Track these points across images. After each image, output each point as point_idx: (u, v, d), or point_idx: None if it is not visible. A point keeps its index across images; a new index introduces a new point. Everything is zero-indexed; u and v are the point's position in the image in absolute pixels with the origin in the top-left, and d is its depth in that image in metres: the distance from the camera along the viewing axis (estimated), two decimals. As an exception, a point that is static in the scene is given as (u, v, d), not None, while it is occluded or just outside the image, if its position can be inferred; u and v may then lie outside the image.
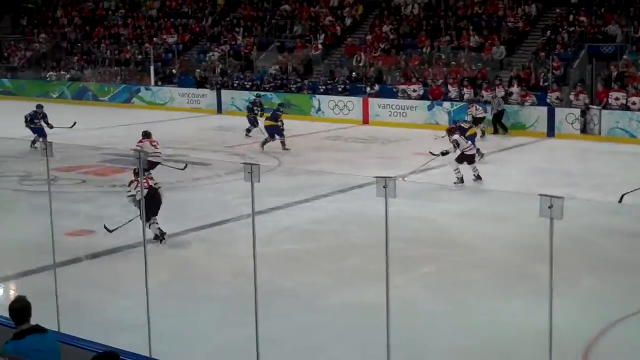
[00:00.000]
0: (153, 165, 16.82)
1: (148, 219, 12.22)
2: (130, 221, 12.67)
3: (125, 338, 8.24)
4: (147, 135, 17.90)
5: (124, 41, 39.97)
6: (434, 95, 28.50)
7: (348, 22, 35.32)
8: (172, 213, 14.24)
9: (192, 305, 10.34)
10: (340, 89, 30.55)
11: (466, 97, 27.34)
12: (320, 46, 34.00)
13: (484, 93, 27.09)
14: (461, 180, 17.60)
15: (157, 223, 12.99)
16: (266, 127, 23.10)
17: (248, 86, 32.82)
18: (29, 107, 23.32)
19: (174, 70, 36.33)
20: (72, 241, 12.76)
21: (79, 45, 41.02)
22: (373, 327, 7.77)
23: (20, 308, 6.37)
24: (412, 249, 12.28)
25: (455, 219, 14.76)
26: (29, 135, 22.22)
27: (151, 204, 12.51)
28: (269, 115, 23.66)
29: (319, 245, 13.25)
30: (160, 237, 12.98)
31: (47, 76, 39.08)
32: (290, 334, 9.27)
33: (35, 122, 22.66)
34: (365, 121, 28.85)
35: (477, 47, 30.32)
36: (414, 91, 28.90)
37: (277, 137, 22.72)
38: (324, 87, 30.98)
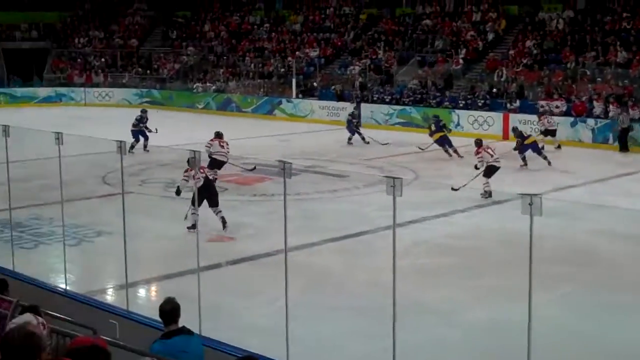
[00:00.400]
0: (219, 163, 18.38)
1: (200, 204, 13.10)
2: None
3: (261, 344, 8.38)
4: (218, 135, 19.25)
5: (267, 54, 40.84)
6: (577, 112, 27.76)
7: (490, 36, 34.89)
8: (309, 223, 14.47)
9: (327, 315, 10.43)
10: (480, 104, 30.22)
11: (611, 114, 26.55)
12: (461, 60, 33.74)
13: (610, 107, 26.41)
14: (489, 194, 17.46)
15: (221, 212, 14.33)
16: (437, 140, 24.08)
17: (387, 100, 32.92)
18: (177, 116, 24.21)
19: (314, 83, 36.84)
20: (213, 247, 13.10)
21: (225, 57, 42.21)
22: (512, 346, 7.63)
23: (170, 309, 6.61)
24: (552, 267, 11.96)
25: (594, 237, 14.30)
26: (174, 143, 22.96)
27: (208, 194, 13.95)
28: (433, 128, 24.54)
29: (455, 260, 13.12)
30: (223, 224, 14.27)
31: (194, 87, 40.40)
32: (425, 349, 9.19)
33: (141, 125, 24.55)
34: (505, 136, 28.35)
35: (624, 63, 29.33)
36: (557, 107, 28.23)
37: (447, 146, 23.72)
38: (463, 102, 30.73)
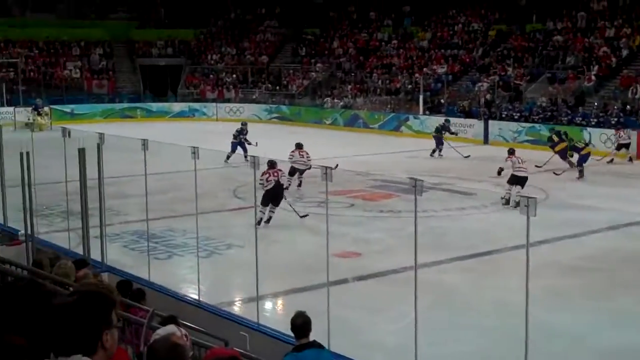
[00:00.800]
0: (299, 170, 20.41)
1: (266, 204, 15.97)
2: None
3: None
4: (299, 146, 20.93)
5: (394, 71, 40.93)
6: None
7: (624, 52, 33.85)
8: (437, 241, 14.39)
9: (454, 334, 10.36)
10: (612, 122, 29.34)
11: None
12: (593, 77, 32.86)
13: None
14: (507, 202, 18.03)
15: (274, 212, 16.13)
16: (559, 152, 24.62)
17: (516, 117, 32.41)
18: (304, 132, 24.53)
19: (442, 100, 36.65)
20: (339, 262, 13.19)
21: (352, 74, 42.54)
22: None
23: (302, 323, 6.76)
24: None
25: None
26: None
27: (274, 195, 16.04)
28: (555, 139, 25.13)
29: (586, 282, 12.79)
30: (266, 221, 15.90)
31: (323, 102, 40.87)
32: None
33: (240, 137, 25.44)
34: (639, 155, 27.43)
35: None
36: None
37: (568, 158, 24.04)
38: (595, 120, 29.90)
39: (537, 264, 12.84)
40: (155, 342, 4.46)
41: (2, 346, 3.13)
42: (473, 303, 11.76)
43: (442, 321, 10.64)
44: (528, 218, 6.95)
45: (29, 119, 33.36)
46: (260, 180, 15.43)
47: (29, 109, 36.56)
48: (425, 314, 10.11)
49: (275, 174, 16.02)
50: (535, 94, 33.93)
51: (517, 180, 18.32)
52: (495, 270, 13.20)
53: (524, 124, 31.59)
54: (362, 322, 10.82)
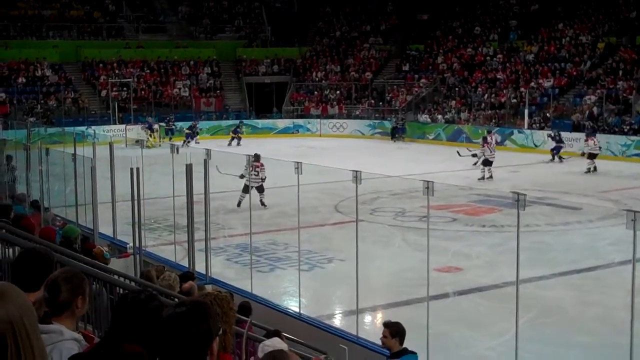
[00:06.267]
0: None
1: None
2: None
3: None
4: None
5: (499, 85, 40.48)
6: None
7: None
8: (540, 256, 14.18)
9: (557, 350, 10.21)
10: None
11: None
12: None
13: None
14: (483, 178, 25.21)
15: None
16: None
17: (625, 130, 31.57)
18: (409, 147, 24.43)
19: (547, 114, 36.03)
20: (440, 276, 13.16)
21: (457, 89, 42.29)
22: None
23: (399, 330, 6.99)
24: None
25: None
26: (406, 173, 23.33)
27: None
28: None
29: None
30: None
31: (428, 118, 40.76)
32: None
33: None
34: None
35: None
36: None
37: None
38: None
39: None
40: (269, 355, 4.62)
41: (124, 354, 3.31)
42: (576, 319, 11.56)
43: (544, 337, 10.49)
44: (635, 232, 6.84)
45: (147, 139, 34.61)
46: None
47: (146, 126, 37.93)
48: (527, 330, 10.02)
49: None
50: (645, 107, 33.00)
51: (489, 163, 25.45)
52: (600, 286, 12.91)
53: (633, 137, 30.74)
54: (462, 336, 10.78)
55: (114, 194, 15.57)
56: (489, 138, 26.89)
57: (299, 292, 11.57)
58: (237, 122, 40.08)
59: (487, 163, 25.58)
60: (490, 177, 25.32)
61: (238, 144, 36.38)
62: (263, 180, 19.20)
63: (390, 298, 12.69)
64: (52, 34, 45.87)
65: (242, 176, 18.80)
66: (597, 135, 31.08)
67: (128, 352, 3.31)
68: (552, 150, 30.74)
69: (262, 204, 18.99)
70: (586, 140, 28.09)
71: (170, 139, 36.43)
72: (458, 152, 28.78)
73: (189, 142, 36.19)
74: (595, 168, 26.68)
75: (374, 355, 9.09)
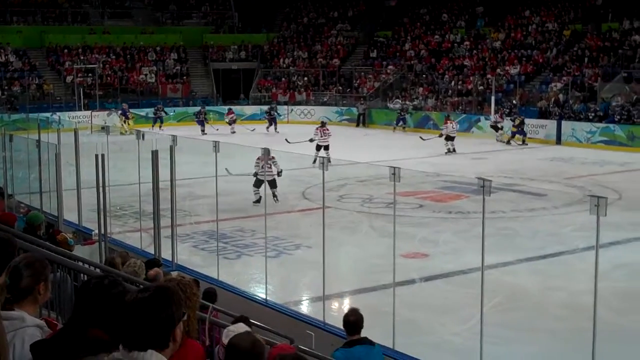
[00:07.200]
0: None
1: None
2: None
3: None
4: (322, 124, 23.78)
5: (466, 72, 40.64)
6: None
7: None
8: (505, 242, 14.29)
9: (522, 336, 10.28)
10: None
11: None
12: (671, 76, 32.12)
13: None
14: (448, 151, 28.35)
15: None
16: None
17: (591, 117, 31.85)
18: (375, 133, 24.48)
19: (514, 101, 36.24)
20: (407, 263, 13.20)
21: (424, 76, 42.39)
22: None
23: (354, 320, 6.86)
24: None
25: None
26: (372, 159, 23.35)
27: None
28: None
29: (660, 284, 12.54)
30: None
31: (392, 103, 40.83)
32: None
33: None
34: None
35: None
36: None
37: None
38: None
39: (608, 266, 12.73)
40: (236, 338, 4.62)
41: (87, 340, 3.28)
42: (541, 304, 11.65)
43: (509, 322, 10.58)
44: (598, 218, 6.89)
45: (122, 125, 34.39)
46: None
47: (119, 112, 37.59)
48: (493, 315, 10.10)
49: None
50: (610, 93, 33.28)
51: (451, 138, 28.48)
52: (564, 272, 13.03)
53: (597, 124, 31.04)
54: (428, 322, 10.84)
55: (79, 180, 15.45)
56: (450, 119, 30.32)
57: (266, 278, 11.55)
58: (269, 106, 40.13)
59: (449, 138, 28.57)
60: (454, 150, 28.28)
61: (275, 129, 37.30)
62: (278, 174, 18.74)
63: (357, 284, 12.72)
64: (16, 19, 45.30)
65: (280, 172, 18.57)
66: (565, 122, 31.44)
67: (92, 337, 3.28)
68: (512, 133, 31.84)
69: (275, 197, 18.61)
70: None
71: (160, 127, 36.24)
72: (421, 137, 30.46)
73: (159, 125, 36.46)
74: (454, 149, 28.81)
75: (341, 341, 9.09)
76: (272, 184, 18.13)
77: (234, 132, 36.17)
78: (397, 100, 40.37)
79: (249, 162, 18.12)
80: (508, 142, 31.78)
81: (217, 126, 36.36)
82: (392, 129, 37.90)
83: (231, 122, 37.20)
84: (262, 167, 17.42)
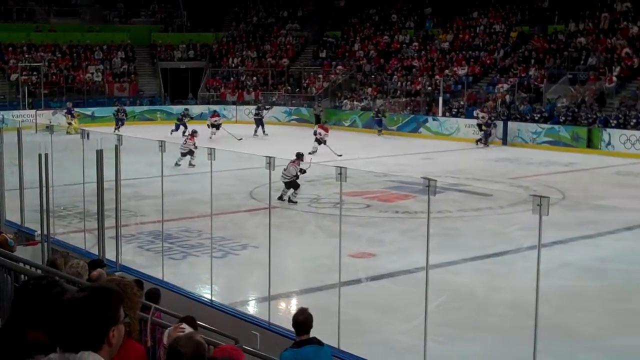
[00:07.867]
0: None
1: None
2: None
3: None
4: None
5: (415, 72, 40.88)
6: None
7: (647, 53, 33.61)
8: (451, 241, 14.39)
9: (467, 334, 10.36)
10: (632, 123, 29.17)
11: None
12: (614, 78, 32.67)
13: None
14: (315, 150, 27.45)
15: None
16: None
17: (536, 118, 32.28)
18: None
19: (461, 102, 36.57)
20: (354, 262, 13.23)
21: (373, 76, 42.54)
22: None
23: (303, 320, 6.83)
24: None
25: None
26: (320, 160, 23.38)
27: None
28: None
29: (601, 283, 12.74)
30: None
31: (342, 104, 40.92)
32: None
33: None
34: (661, 157, 27.28)
35: None
36: None
37: None
38: (615, 121, 29.75)
39: (552, 264, 12.90)
40: (179, 340, 4.58)
41: (24, 342, 3.20)
42: (486, 303, 11.76)
43: (454, 321, 10.64)
44: (540, 218, 6.95)
45: (68, 124, 33.73)
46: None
47: (64, 111, 36.91)
48: (438, 314, 10.15)
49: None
50: (555, 95, 33.76)
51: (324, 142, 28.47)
52: (508, 271, 13.17)
53: (543, 125, 31.47)
54: (374, 321, 10.86)
55: (22, 180, 15.19)
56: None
57: (211, 279, 11.48)
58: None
59: (320, 142, 28.38)
60: (316, 151, 27.57)
61: (263, 131, 35.46)
62: (296, 176, 18.84)
63: (304, 284, 12.71)
64: (-41, 15, 44.47)
65: (302, 171, 18.97)
66: (511, 123, 31.85)
67: (30, 339, 3.21)
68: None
69: (290, 200, 18.77)
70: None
71: (118, 128, 34.82)
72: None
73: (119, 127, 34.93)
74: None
75: (286, 342, 9.07)
76: (290, 185, 18.89)
77: (211, 137, 32.80)
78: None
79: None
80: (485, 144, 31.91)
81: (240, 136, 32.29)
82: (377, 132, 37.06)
83: (214, 126, 33.91)
84: (286, 169, 18.21)
